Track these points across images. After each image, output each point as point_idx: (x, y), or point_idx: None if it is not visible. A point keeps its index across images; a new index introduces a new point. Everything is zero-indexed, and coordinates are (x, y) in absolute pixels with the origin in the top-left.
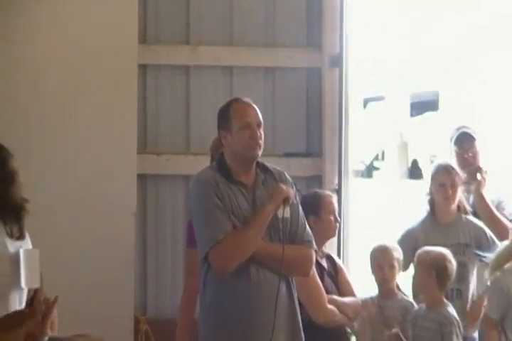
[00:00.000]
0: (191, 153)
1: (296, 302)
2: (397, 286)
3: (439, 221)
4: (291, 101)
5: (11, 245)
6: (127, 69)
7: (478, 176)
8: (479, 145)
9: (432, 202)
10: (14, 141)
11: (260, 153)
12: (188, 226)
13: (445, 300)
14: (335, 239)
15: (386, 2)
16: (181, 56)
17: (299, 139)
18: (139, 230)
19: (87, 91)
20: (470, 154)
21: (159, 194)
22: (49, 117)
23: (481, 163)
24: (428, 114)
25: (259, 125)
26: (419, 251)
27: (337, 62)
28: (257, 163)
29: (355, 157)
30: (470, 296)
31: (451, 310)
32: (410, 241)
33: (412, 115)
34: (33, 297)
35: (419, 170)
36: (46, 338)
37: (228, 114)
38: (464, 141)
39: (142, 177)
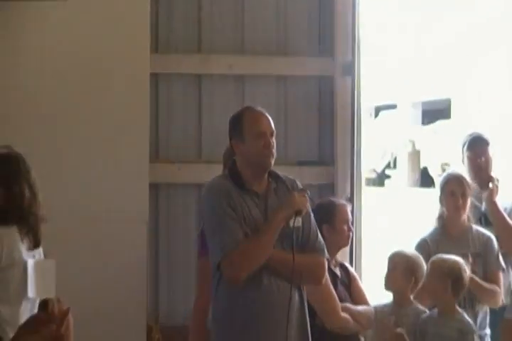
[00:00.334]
0: (203, 162)
1: (307, 312)
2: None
3: (450, 231)
4: (303, 110)
5: (26, 254)
6: (139, 78)
7: (490, 185)
8: (492, 151)
9: (442, 212)
10: (24, 151)
11: (273, 161)
12: (200, 234)
13: (459, 308)
14: (347, 248)
15: (389, 6)
16: (193, 65)
17: (311, 147)
18: (151, 239)
19: (99, 100)
20: (483, 159)
21: (171, 202)
22: (61, 127)
23: (493, 169)
24: (440, 122)
25: (272, 134)
26: (434, 258)
27: (349, 70)
28: (269, 171)
29: (368, 165)
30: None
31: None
32: (423, 252)
33: (423, 123)
34: (44, 305)
35: (430, 177)
36: None
37: (241, 123)
38: (477, 146)
39: (154, 186)
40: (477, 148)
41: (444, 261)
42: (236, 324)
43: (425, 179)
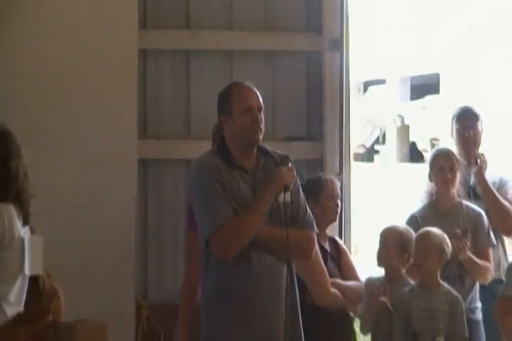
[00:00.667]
0: (192, 138)
1: (296, 286)
2: None
3: (440, 207)
4: (292, 85)
5: (21, 231)
6: (127, 54)
7: (479, 160)
8: (481, 126)
9: (431, 189)
10: (13, 127)
11: (261, 136)
12: (188, 210)
13: (441, 281)
14: (336, 223)
15: None
16: (181, 41)
17: (300, 123)
18: (140, 215)
19: (86, 77)
20: (471, 133)
21: (160, 178)
22: (48, 103)
23: (481, 144)
24: (429, 97)
25: (260, 109)
26: (419, 232)
27: (337, 46)
28: (258, 146)
29: (356, 141)
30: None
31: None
32: (413, 229)
33: (412, 98)
34: (35, 285)
35: (419, 152)
36: None
37: (229, 98)
38: (466, 119)
39: (143, 162)
40: (466, 120)
41: (427, 234)
42: (225, 300)
43: (414, 154)
